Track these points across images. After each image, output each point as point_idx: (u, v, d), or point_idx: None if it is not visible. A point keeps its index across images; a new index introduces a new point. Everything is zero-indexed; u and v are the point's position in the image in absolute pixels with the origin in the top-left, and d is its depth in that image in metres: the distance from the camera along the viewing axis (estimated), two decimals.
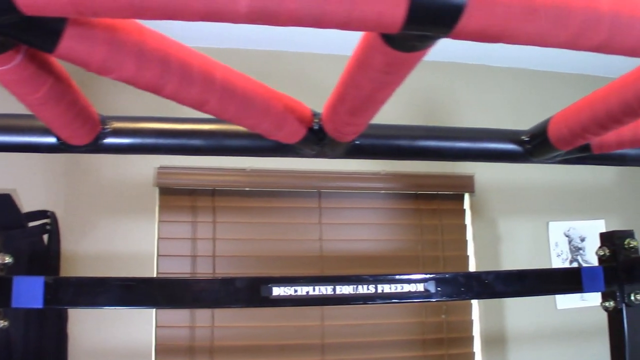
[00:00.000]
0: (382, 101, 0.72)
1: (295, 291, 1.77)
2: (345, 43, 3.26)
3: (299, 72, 3.41)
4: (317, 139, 0.87)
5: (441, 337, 3.30)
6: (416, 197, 3.43)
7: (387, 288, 1.83)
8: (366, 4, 0.48)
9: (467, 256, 3.45)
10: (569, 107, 0.90)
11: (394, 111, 3.48)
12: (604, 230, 3.52)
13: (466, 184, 3.46)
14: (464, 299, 1.85)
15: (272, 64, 3.39)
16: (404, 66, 0.59)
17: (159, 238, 3.11)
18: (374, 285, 1.82)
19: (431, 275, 1.86)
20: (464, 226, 3.49)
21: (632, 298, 2.01)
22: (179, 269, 3.09)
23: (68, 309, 2.83)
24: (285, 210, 3.27)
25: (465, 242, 3.47)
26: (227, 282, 1.77)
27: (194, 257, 3.11)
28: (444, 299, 1.88)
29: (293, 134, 0.84)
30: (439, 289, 1.86)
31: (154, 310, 3.00)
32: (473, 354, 3.34)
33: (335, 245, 3.28)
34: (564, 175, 3.67)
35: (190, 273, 3.09)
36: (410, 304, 3.26)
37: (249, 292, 1.75)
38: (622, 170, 3.85)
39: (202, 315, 3.03)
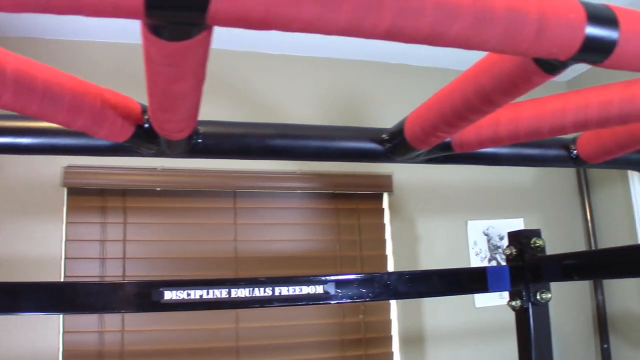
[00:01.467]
0: (185, 96, 0.66)
1: (188, 295, 1.71)
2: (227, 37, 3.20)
3: None
4: (150, 138, 0.81)
5: (359, 337, 3.27)
6: (334, 196, 3.39)
7: (284, 290, 1.78)
8: None
9: (386, 255, 3.43)
10: (422, 105, 0.86)
11: (312, 110, 3.47)
12: (522, 228, 3.56)
13: (384, 183, 3.43)
14: (365, 300, 1.82)
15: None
16: (182, 56, 0.54)
17: (66, 240, 2.99)
18: (270, 288, 1.77)
19: (331, 277, 1.82)
20: (383, 225, 3.47)
21: (538, 297, 2.02)
22: (88, 272, 2.98)
23: None
24: (199, 211, 3.19)
25: (384, 241, 3.45)
26: (117, 287, 1.69)
27: (103, 259, 3.00)
28: (344, 301, 1.84)
29: (118, 132, 0.77)
30: (338, 290, 1.83)
31: (61, 315, 2.89)
32: (391, 353, 3.32)
33: (251, 246, 3.21)
34: (482, 174, 3.69)
35: (99, 276, 2.99)
36: (329, 305, 3.23)
37: (139, 296, 1.67)
38: (540, 170, 3.89)
39: (112, 320, 2.93)
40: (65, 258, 2.97)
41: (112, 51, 3.23)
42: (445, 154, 0.98)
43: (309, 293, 1.80)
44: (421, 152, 0.94)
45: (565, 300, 3.84)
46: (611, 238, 3.81)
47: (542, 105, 0.87)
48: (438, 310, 3.44)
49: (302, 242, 3.31)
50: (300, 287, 1.80)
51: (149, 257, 3.07)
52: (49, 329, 2.87)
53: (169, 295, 1.70)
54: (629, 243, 3.61)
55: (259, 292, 1.75)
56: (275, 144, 0.91)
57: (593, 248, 3.85)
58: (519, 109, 0.88)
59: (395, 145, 0.94)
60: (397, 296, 1.92)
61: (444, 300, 3.34)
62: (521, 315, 2.08)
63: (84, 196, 3.05)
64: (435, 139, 0.86)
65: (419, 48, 3.53)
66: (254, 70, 3.40)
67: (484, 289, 2.06)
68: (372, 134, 0.97)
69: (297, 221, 3.34)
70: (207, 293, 1.72)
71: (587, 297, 3.92)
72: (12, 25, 2.99)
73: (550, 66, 0.61)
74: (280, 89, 3.43)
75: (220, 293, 1.73)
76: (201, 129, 0.89)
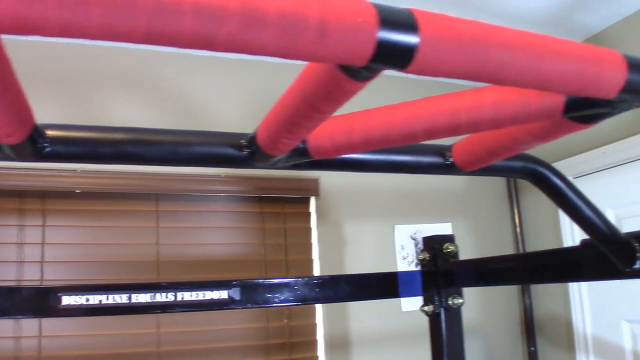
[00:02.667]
0: None
1: (87, 300, 1.68)
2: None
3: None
4: None
5: (284, 341, 3.25)
6: (260, 199, 3.37)
7: (187, 296, 1.76)
8: None
9: (312, 260, 3.42)
10: (270, 110, 0.84)
11: (239, 113, 3.43)
12: (450, 233, 3.59)
13: (311, 187, 3.42)
14: (272, 306, 1.80)
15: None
16: None
17: None
18: (173, 293, 1.74)
19: (235, 282, 1.80)
20: (309, 229, 3.46)
21: (450, 302, 2.04)
22: (4, 276, 2.90)
23: None
24: (121, 214, 3.13)
25: (310, 245, 3.44)
26: (13, 292, 1.65)
27: (20, 263, 2.93)
28: (249, 306, 1.83)
29: None
30: (244, 296, 1.81)
31: None
32: (317, 357, 3.31)
33: (174, 250, 3.17)
34: (411, 179, 3.70)
35: (16, 280, 2.91)
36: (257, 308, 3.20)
37: (36, 301, 1.64)
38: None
39: (28, 325, 2.86)
40: None
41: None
42: (307, 160, 0.96)
43: (212, 298, 1.78)
44: (280, 158, 0.92)
45: (494, 304, 3.88)
46: (538, 243, 3.88)
47: (394, 113, 0.86)
48: (364, 314, 3.44)
49: (227, 245, 3.28)
50: (203, 292, 1.77)
51: (68, 261, 3.00)
52: None
53: (67, 300, 1.66)
54: (554, 247, 3.66)
55: (160, 297, 1.73)
56: (127, 149, 0.88)
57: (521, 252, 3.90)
58: (373, 115, 0.88)
59: (253, 151, 0.93)
60: (306, 301, 1.91)
61: (370, 303, 3.35)
62: (434, 320, 2.09)
63: (1, 198, 2.96)
64: (283, 146, 0.85)
65: None
66: (181, 73, 3.36)
67: (395, 294, 2.07)
68: (230, 140, 0.95)
69: (222, 225, 3.30)
70: (107, 298, 1.69)
71: (514, 300, 3.97)
72: None
73: (356, 73, 0.60)
74: (208, 91, 3.40)
75: (120, 298, 1.70)
76: (49, 133, 0.86)
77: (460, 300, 2.04)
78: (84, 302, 1.69)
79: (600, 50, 0.71)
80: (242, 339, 3.19)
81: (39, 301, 1.64)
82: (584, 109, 0.81)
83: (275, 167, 0.98)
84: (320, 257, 3.43)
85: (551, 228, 3.77)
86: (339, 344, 3.37)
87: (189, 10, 0.45)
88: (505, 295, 3.93)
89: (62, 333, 2.90)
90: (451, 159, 1.14)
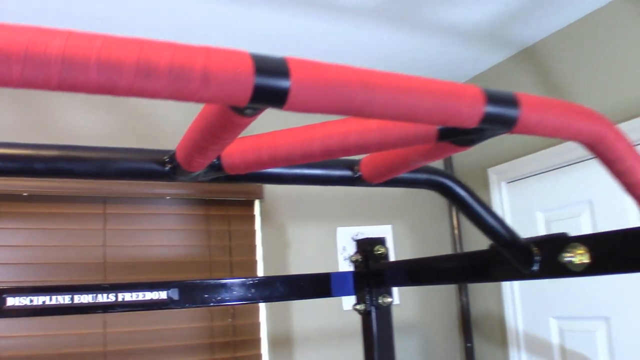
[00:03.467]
0: None
1: (31, 301, 1.75)
2: None
3: None
4: None
5: (228, 340, 3.35)
6: (205, 202, 3.47)
7: (128, 296, 1.84)
8: None
9: (256, 261, 3.52)
10: (185, 132, 0.95)
11: (188, 117, 3.50)
12: (390, 234, 3.73)
13: (256, 190, 3.53)
14: (209, 305, 1.90)
15: None
16: None
17: None
18: (113, 294, 1.82)
19: (174, 283, 1.89)
20: (254, 231, 3.57)
21: (380, 301, 2.14)
22: None
23: None
24: (69, 216, 3.19)
25: (254, 247, 3.55)
26: None
27: None
28: (187, 306, 1.92)
29: None
30: (183, 296, 1.90)
31: None
32: (260, 355, 3.42)
33: (121, 252, 3.25)
34: None
35: None
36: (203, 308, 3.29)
37: None
38: None
39: None
40: None
41: None
42: (223, 175, 1.07)
43: (152, 299, 1.86)
44: (198, 173, 1.03)
45: (432, 302, 4.03)
46: (475, 244, 4.02)
47: (295, 135, 0.98)
48: (306, 313, 3.56)
49: (173, 247, 3.37)
50: (144, 292, 1.85)
51: (16, 263, 3.04)
52: None
53: (12, 301, 1.73)
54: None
55: (101, 298, 1.80)
56: (59, 165, 0.97)
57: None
58: (277, 137, 0.99)
59: (174, 167, 1.03)
60: (242, 301, 2.00)
61: (312, 302, 3.46)
62: (366, 318, 2.19)
63: None
64: (198, 164, 0.96)
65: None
66: None
67: (328, 294, 2.17)
68: (155, 156, 1.05)
69: (168, 227, 3.39)
70: (50, 299, 1.76)
71: (452, 299, 4.12)
72: None
73: (241, 111, 0.72)
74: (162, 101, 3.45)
75: (64, 299, 1.77)
76: None
77: (390, 299, 2.15)
78: (28, 303, 1.75)
79: (460, 86, 0.84)
80: (187, 338, 3.28)
81: None
82: (454, 136, 0.95)
83: (195, 181, 1.09)
84: (264, 258, 3.54)
85: None
86: (282, 342, 3.48)
87: (93, 65, 0.57)
88: (443, 294, 4.09)
89: (9, 334, 2.95)
90: (359, 173, 1.26)
